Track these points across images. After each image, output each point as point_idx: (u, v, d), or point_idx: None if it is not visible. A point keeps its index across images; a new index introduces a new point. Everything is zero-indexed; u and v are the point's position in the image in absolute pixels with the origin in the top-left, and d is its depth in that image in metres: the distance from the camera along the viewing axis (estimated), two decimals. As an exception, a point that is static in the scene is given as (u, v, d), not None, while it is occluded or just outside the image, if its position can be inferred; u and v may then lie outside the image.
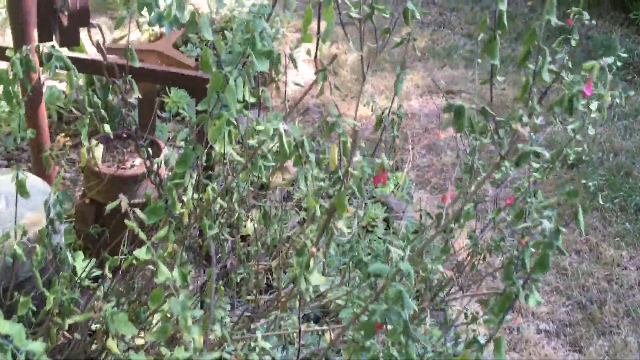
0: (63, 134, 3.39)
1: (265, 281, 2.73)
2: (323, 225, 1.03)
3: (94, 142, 2.25)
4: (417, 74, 5.41)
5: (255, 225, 1.90)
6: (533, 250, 1.12)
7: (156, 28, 4.81)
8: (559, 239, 0.84)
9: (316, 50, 1.06)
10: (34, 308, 1.49)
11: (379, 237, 3.30)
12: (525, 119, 0.83)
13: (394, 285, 0.89)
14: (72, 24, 1.49)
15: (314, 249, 0.93)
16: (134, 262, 1.23)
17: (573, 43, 1.74)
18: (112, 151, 3.03)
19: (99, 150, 2.77)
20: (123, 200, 1.05)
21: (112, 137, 1.69)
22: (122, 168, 2.87)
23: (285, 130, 0.94)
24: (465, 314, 1.41)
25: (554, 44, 1.67)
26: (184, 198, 1.19)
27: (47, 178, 2.09)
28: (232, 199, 1.29)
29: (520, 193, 1.61)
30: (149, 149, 1.76)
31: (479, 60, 1.42)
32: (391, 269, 0.88)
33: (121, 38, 3.97)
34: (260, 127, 0.98)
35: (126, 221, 1.03)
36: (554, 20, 0.94)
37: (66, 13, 1.48)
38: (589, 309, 3.23)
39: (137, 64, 1.58)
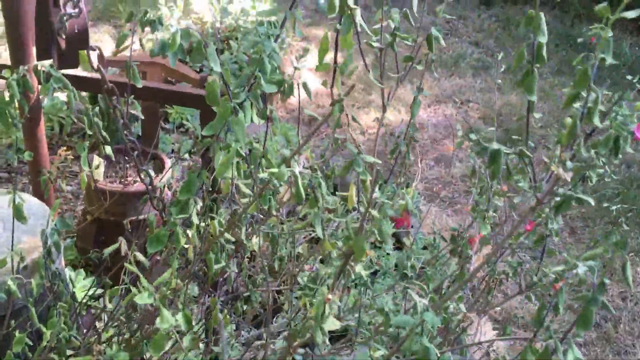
0: (65, 148, 3.32)
1: (272, 298, 2.66)
2: (339, 269, 0.96)
3: (95, 161, 2.18)
4: (425, 83, 5.34)
5: (261, 242, 1.83)
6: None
7: (159, 37, 4.74)
8: (603, 293, 0.76)
9: (332, 80, 0.99)
10: (30, 343, 1.41)
11: (387, 253, 3.23)
12: (569, 163, 0.76)
13: (419, 340, 0.81)
14: (70, 47, 1.42)
15: (330, 297, 0.86)
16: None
17: (593, 61, 1.66)
18: (115, 166, 2.96)
19: (100, 167, 2.70)
20: (123, 244, 0.98)
21: (113, 158, 1.61)
22: (125, 183, 2.80)
23: (300, 173, 0.87)
24: (487, 353, 1.33)
25: (574, 62, 1.60)
26: (189, 232, 1.12)
27: (46, 199, 2.01)
28: (239, 229, 1.22)
29: (540, 218, 1.52)
30: (151, 170, 1.69)
31: (499, 81, 1.34)
32: (415, 321, 0.80)
33: (124, 49, 3.90)
34: (274, 170, 0.90)
35: (126, 264, 0.96)
36: (610, 60, 0.87)
37: (64, 36, 1.41)
38: (604, 328, 3.14)
39: (140, 85, 1.50)
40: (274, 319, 2.50)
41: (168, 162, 2.96)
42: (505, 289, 3.22)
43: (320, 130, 4.76)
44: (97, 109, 1.60)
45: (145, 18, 1.48)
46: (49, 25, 1.51)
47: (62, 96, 4.02)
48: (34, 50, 1.79)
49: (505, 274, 1.98)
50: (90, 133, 1.50)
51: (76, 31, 1.35)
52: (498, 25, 6.70)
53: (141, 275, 0.90)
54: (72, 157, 3.38)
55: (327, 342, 0.84)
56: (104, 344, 1.38)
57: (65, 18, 1.31)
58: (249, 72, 1.24)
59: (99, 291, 2.64)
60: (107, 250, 1.13)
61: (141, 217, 2.73)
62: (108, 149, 1.67)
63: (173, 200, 1.59)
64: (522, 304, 3.25)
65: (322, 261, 2.66)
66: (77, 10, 1.30)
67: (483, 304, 1.51)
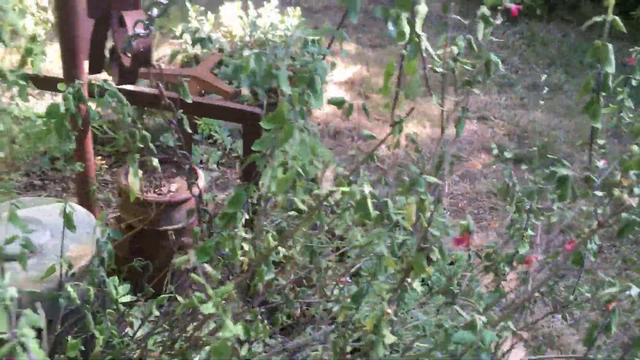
0: (99, 157, 3.39)
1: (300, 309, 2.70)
2: (398, 285, 0.99)
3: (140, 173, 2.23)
4: (449, 99, 5.36)
5: (295, 254, 1.87)
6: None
7: (189, 49, 4.82)
8: (662, 316, 0.79)
9: (394, 103, 1.03)
10: (83, 347, 1.46)
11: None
12: (636, 189, 0.79)
13: (479, 355, 0.84)
14: (133, 65, 1.48)
15: (388, 310, 0.89)
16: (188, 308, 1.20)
17: (634, 83, 1.69)
18: (149, 176, 3.01)
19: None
20: (192, 255, 1.02)
21: (159, 169, 1.66)
22: (159, 193, 2.85)
23: (370, 192, 0.91)
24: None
25: (614, 84, 1.62)
26: (245, 246, 1.16)
27: (90, 208, 2.07)
28: (293, 244, 1.26)
29: (580, 239, 1.54)
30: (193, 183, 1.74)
31: (541, 102, 1.37)
32: (477, 337, 0.84)
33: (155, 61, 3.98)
34: (345, 189, 0.94)
35: (193, 275, 1.00)
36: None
37: (129, 55, 1.47)
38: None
39: (190, 100, 1.56)
40: (305, 330, 2.54)
41: (200, 173, 3.01)
42: (533, 305, 3.22)
43: (345, 143, 4.80)
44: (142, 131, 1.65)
45: (197, 35, 1.53)
46: (104, 41, 1.56)
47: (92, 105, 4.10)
48: (85, 64, 1.85)
49: (539, 292, 2.00)
50: (141, 145, 1.55)
51: (141, 50, 1.41)
52: (522, 42, 6.72)
53: (208, 287, 0.94)
54: (107, 166, 3.45)
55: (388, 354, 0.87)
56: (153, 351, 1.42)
57: (133, 38, 1.37)
58: (299, 91, 1.28)
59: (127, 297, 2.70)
60: (178, 261, 1.17)
61: (175, 226, 2.79)
62: (155, 162, 1.72)
63: (217, 212, 1.63)
64: (548, 322, 3.25)
65: (353, 275, 2.70)
66: (147, 31, 1.35)
67: (521, 322, 1.53)
